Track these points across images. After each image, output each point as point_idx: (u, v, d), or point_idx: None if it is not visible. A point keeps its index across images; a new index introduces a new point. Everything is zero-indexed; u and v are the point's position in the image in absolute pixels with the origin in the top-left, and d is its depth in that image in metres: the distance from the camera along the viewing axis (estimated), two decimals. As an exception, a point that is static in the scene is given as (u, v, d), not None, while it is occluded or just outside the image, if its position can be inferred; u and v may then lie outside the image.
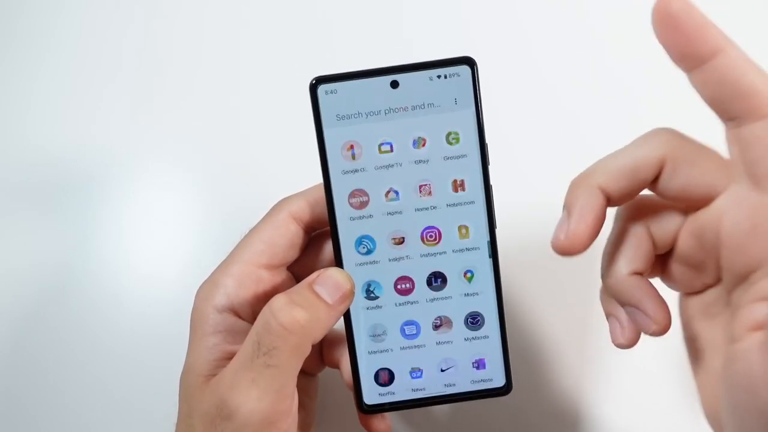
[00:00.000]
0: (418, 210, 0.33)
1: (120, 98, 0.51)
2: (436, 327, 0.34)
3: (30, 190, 0.49)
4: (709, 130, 0.28)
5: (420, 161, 0.33)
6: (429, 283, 0.34)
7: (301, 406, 0.38)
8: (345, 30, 0.52)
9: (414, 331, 0.34)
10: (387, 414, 0.36)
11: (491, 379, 0.35)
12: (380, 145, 0.33)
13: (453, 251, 0.34)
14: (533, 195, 0.44)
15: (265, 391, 0.30)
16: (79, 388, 0.47)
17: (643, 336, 0.30)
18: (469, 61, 0.32)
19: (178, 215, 0.49)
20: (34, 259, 0.48)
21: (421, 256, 0.34)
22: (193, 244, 0.49)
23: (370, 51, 0.50)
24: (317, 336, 0.31)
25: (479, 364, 0.35)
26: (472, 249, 0.34)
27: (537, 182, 0.46)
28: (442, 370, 0.35)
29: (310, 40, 0.52)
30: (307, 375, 0.38)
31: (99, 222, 0.49)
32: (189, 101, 0.51)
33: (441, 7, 0.52)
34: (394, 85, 0.32)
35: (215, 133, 0.50)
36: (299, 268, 0.36)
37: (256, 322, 0.31)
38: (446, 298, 0.34)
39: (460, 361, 0.35)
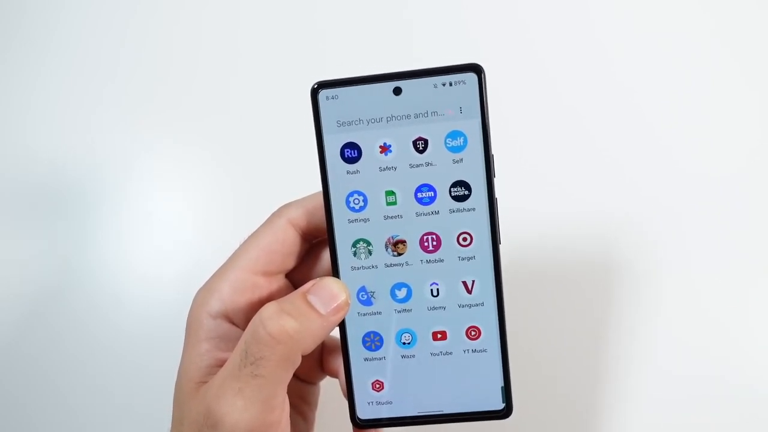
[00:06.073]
0: (419, 215, 0.32)
1: (119, 100, 0.51)
2: (434, 338, 0.33)
3: (30, 192, 0.50)
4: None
5: (421, 165, 0.32)
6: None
7: (301, 415, 0.37)
8: (349, 34, 0.52)
9: (410, 340, 0.33)
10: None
11: (490, 400, 0.33)
12: (380, 146, 0.32)
13: (453, 260, 0.33)
14: (541, 204, 0.43)
15: (251, 401, 0.29)
16: (79, 388, 0.47)
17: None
18: (476, 68, 0.31)
19: (176, 216, 0.49)
20: (34, 260, 0.49)
21: (421, 262, 0.33)
22: (192, 245, 0.49)
23: (374, 56, 0.49)
24: (307, 347, 0.31)
25: (477, 383, 0.33)
26: (472, 258, 0.32)
27: (545, 191, 0.45)
28: (438, 385, 0.33)
29: (312, 44, 0.51)
30: (307, 383, 0.38)
31: (98, 223, 0.49)
32: (188, 103, 0.51)
33: (447, 13, 0.51)
34: (397, 91, 0.31)
35: (215, 135, 0.50)
36: (298, 276, 0.36)
37: (246, 330, 0.30)
38: (445, 307, 0.33)
39: (457, 376, 0.33)
